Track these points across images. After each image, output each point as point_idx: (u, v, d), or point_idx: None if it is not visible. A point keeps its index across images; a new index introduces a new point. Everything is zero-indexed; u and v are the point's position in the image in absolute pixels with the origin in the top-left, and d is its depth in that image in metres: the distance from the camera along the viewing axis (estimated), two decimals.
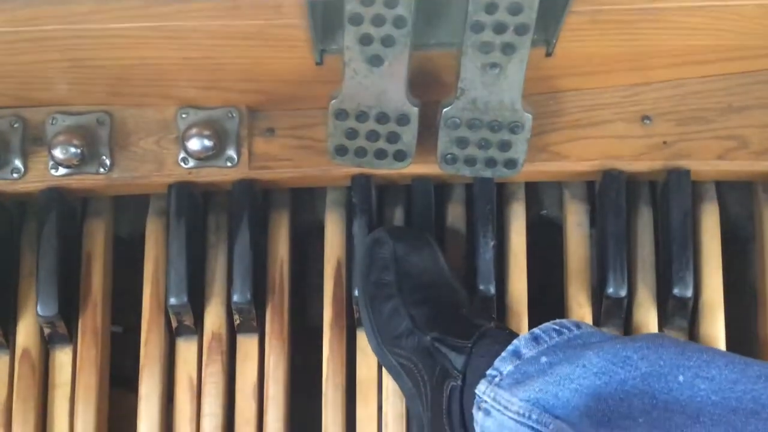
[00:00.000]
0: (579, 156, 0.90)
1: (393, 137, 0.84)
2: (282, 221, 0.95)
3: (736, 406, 0.64)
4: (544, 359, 0.72)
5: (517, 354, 0.74)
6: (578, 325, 0.75)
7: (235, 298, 0.90)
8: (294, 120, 0.91)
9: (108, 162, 0.91)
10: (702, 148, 0.89)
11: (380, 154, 0.85)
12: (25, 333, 0.92)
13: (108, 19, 0.78)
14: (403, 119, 0.82)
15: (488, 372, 0.74)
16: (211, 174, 0.91)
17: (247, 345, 0.93)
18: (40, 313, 0.90)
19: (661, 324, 0.91)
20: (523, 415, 0.70)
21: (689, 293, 0.88)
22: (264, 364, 0.92)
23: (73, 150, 0.88)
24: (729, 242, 0.93)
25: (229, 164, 0.90)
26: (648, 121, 0.90)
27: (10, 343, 0.92)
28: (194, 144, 0.88)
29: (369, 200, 0.91)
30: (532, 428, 0.70)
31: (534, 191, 0.96)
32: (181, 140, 0.90)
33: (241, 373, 0.92)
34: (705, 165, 0.89)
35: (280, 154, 0.91)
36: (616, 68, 0.88)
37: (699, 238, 0.91)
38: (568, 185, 0.94)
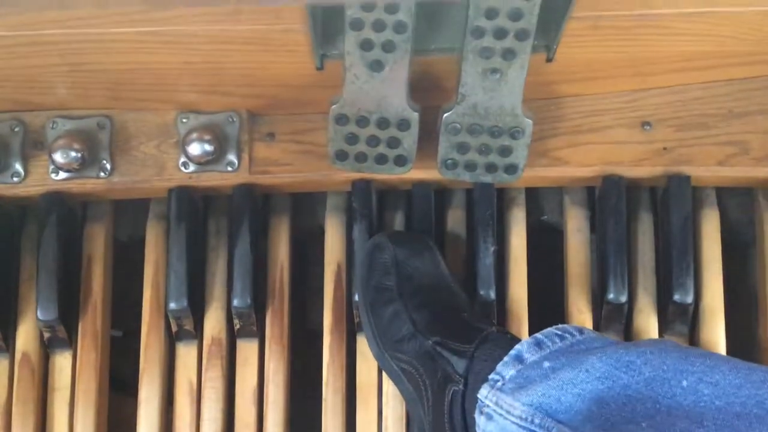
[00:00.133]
0: (579, 161, 0.90)
1: (393, 142, 0.84)
2: (282, 226, 0.95)
3: (740, 411, 0.64)
4: (546, 364, 0.72)
5: (519, 358, 0.74)
6: (581, 330, 0.75)
7: (235, 302, 0.90)
8: (294, 125, 0.91)
9: (108, 166, 0.91)
10: (702, 154, 0.89)
11: (381, 159, 0.85)
12: (25, 337, 0.92)
13: (108, 24, 0.78)
14: (403, 124, 0.82)
15: (491, 376, 0.74)
16: (211, 178, 0.91)
17: (247, 349, 0.93)
18: (40, 317, 0.89)
19: (662, 330, 0.91)
20: (526, 420, 0.70)
21: (690, 299, 0.88)
22: (264, 368, 0.92)
23: (73, 154, 0.88)
24: (729, 248, 0.92)
25: (229, 169, 0.90)
26: (648, 127, 0.90)
27: (9, 347, 0.92)
28: (195, 148, 0.88)
29: (369, 205, 0.91)
30: None
31: (534, 196, 0.96)
32: (182, 145, 0.90)
33: (241, 378, 0.92)
34: (705, 171, 0.90)
35: (281, 158, 0.91)
36: (616, 74, 0.88)
37: (699, 244, 0.91)
38: (568, 191, 0.94)
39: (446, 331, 0.81)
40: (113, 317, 0.96)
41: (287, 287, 0.94)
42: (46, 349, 0.93)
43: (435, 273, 0.87)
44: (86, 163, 0.90)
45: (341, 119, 0.82)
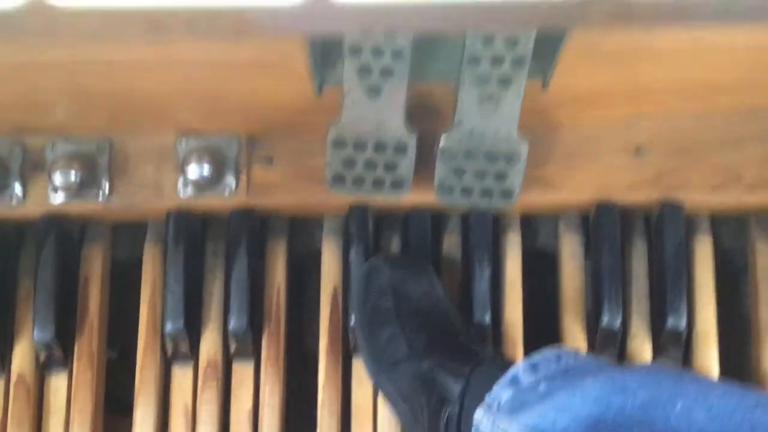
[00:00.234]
0: (574, 187, 0.91)
1: (391, 167, 0.85)
2: (279, 249, 0.95)
3: None
4: (542, 386, 0.72)
5: (515, 381, 0.74)
6: (576, 353, 0.76)
7: (232, 324, 0.90)
8: (293, 148, 0.92)
9: (107, 188, 0.91)
10: (695, 181, 0.90)
11: (378, 183, 0.86)
12: (21, 357, 0.92)
13: (110, 48, 0.79)
14: (400, 149, 0.83)
15: (486, 398, 0.74)
16: (209, 201, 0.91)
17: (243, 372, 0.93)
18: (36, 337, 0.90)
19: (656, 354, 0.91)
20: None
21: (683, 324, 0.88)
22: (259, 390, 0.92)
23: (72, 176, 0.89)
24: (722, 274, 0.93)
25: (227, 192, 0.91)
26: (642, 154, 0.91)
27: (5, 367, 0.92)
28: (193, 171, 0.89)
29: (366, 228, 0.91)
30: None
31: (529, 222, 0.96)
32: (181, 167, 0.90)
33: (237, 400, 0.92)
34: (698, 197, 0.91)
35: (279, 182, 0.92)
36: (610, 101, 0.89)
37: (692, 270, 0.92)
38: (563, 216, 0.95)
39: (442, 353, 0.82)
40: (109, 338, 0.96)
41: (284, 310, 0.94)
42: (42, 369, 0.93)
43: (431, 296, 0.87)
44: (85, 185, 0.90)
45: (339, 143, 0.83)
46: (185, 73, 0.83)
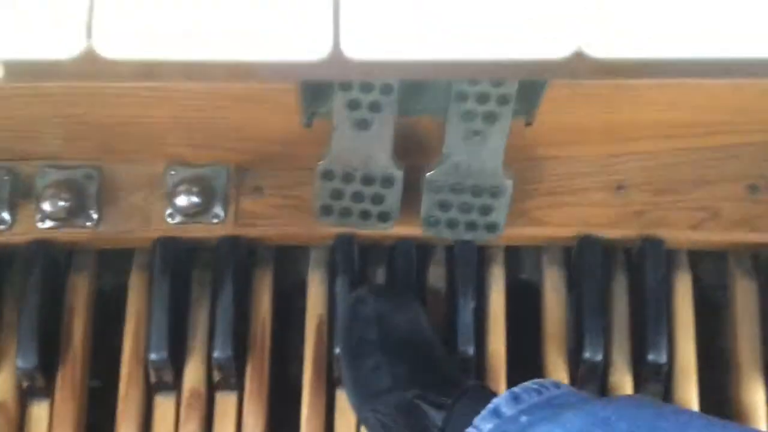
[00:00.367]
0: (557, 222, 0.92)
1: (378, 199, 0.86)
2: (266, 279, 0.95)
3: None
4: (524, 418, 0.72)
5: (497, 413, 0.74)
6: (558, 385, 0.76)
7: (216, 354, 0.90)
8: (281, 179, 0.93)
9: (95, 216, 0.92)
10: (675, 218, 0.92)
11: (365, 215, 0.87)
12: (3, 384, 0.91)
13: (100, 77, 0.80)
14: (388, 181, 0.85)
15: (468, 430, 0.75)
16: (197, 230, 0.92)
17: (226, 403, 0.93)
18: (19, 365, 0.89)
19: (637, 388, 0.92)
20: None
21: (663, 359, 0.90)
22: (242, 421, 0.92)
23: (61, 203, 0.89)
24: (702, 309, 0.95)
25: (215, 221, 0.92)
26: (623, 191, 0.93)
27: None
28: (182, 200, 0.90)
29: (352, 259, 0.92)
30: None
31: (513, 255, 0.98)
32: (169, 196, 0.91)
33: (219, 431, 0.92)
34: (678, 234, 0.92)
35: (267, 212, 0.92)
36: (592, 138, 0.91)
37: (672, 306, 0.93)
38: (546, 250, 0.96)
39: (425, 384, 0.82)
40: (92, 366, 0.96)
41: (268, 341, 0.94)
42: (24, 397, 0.92)
43: (416, 327, 0.88)
44: (73, 212, 0.91)
45: (327, 175, 0.84)
46: (176, 104, 0.84)
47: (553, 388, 0.76)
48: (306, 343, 0.93)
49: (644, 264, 0.91)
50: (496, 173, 0.84)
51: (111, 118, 0.86)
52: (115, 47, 0.41)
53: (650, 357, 0.90)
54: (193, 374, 0.93)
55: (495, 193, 0.85)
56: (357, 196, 0.86)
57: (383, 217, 0.88)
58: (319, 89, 0.83)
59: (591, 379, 0.92)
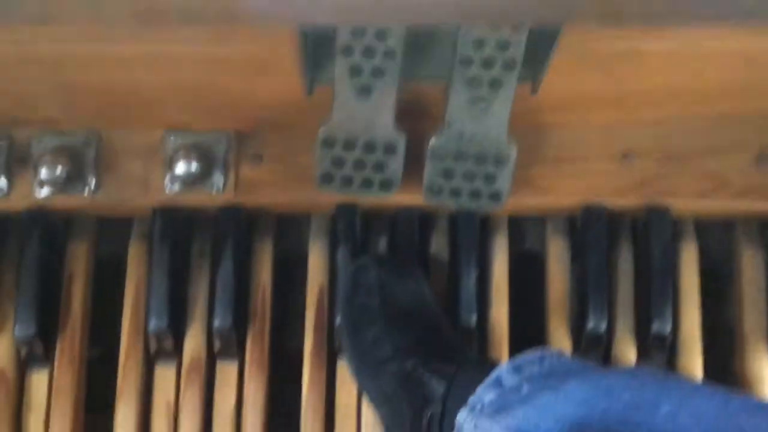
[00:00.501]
0: (561, 191, 0.91)
1: (380, 166, 0.85)
2: (266, 248, 0.95)
3: None
4: (525, 388, 0.72)
5: (498, 382, 0.74)
6: (560, 355, 0.76)
7: (217, 323, 0.90)
8: (282, 146, 0.91)
9: (93, 183, 0.91)
10: (682, 187, 0.91)
11: (366, 183, 0.86)
12: (2, 352, 0.91)
13: (99, 42, 0.79)
14: (390, 149, 0.83)
15: (470, 400, 0.74)
16: (196, 198, 0.91)
17: (227, 371, 0.92)
18: (18, 333, 0.89)
19: (640, 359, 0.91)
20: None
21: (668, 329, 0.89)
22: (243, 390, 0.92)
23: (58, 170, 0.88)
24: (707, 279, 0.94)
25: (215, 189, 0.91)
26: (629, 159, 0.91)
27: None
28: (181, 168, 0.89)
29: (353, 228, 0.91)
30: None
31: (517, 224, 0.97)
32: (168, 163, 0.90)
33: (220, 400, 0.92)
34: (685, 203, 0.91)
35: (267, 180, 0.91)
36: (599, 105, 0.89)
37: (678, 275, 0.92)
38: (550, 219, 0.95)
39: (427, 353, 0.82)
40: (91, 335, 0.95)
41: (269, 309, 0.93)
42: (23, 365, 0.92)
43: (418, 296, 0.87)
44: (71, 180, 0.90)
45: (329, 143, 0.83)
46: (175, 69, 0.83)
47: (555, 357, 0.75)
48: (307, 312, 0.93)
49: (650, 233, 0.90)
50: (500, 141, 0.82)
51: (108, 84, 0.85)
52: None
53: (654, 327, 0.89)
54: (193, 343, 0.92)
55: (499, 161, 0.84)
56: (359, 164, 0.85)
57: (385, 186, 0.86)
58: (320, 55, 0.81)
59: (594, 349, 0.91)
